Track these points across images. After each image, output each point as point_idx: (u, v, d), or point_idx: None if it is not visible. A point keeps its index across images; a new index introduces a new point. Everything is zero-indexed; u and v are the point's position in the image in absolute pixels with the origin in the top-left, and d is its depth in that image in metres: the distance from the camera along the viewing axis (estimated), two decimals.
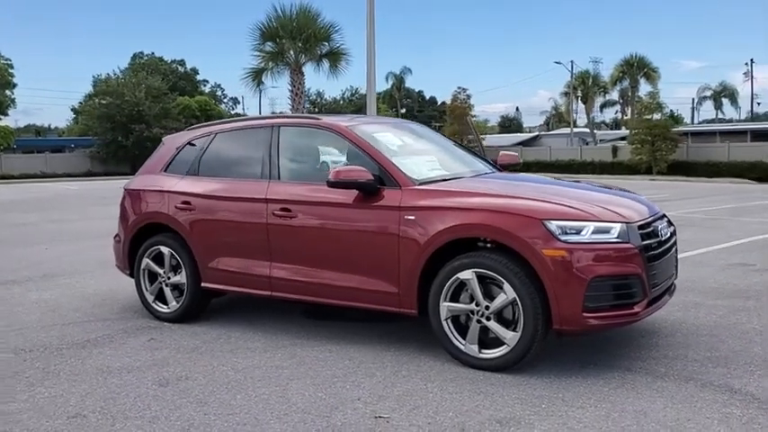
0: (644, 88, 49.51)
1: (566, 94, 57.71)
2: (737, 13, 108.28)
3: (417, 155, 5.19)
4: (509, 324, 4.15)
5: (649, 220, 4.38)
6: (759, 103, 69.28)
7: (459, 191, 4.54)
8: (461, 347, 4.27)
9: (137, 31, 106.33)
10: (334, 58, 19.73)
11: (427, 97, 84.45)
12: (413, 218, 4.39)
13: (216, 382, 4.15)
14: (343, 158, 5.04)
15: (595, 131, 53.96)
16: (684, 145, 34.47)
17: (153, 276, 5.71)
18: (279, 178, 5.09)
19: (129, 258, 5.83)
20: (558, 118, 68.84)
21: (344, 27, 20.16)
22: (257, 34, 19.08)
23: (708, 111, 67.57)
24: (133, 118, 34.24)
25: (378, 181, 4.56)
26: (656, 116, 35.41)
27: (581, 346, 4.55)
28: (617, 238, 4.03)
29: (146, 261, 5.69)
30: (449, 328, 4.32)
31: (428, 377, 4.13)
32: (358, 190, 4.59)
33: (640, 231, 4.17)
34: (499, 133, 64.08)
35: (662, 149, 33.56)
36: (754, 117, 64.18)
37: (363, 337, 4.98)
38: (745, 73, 66.56)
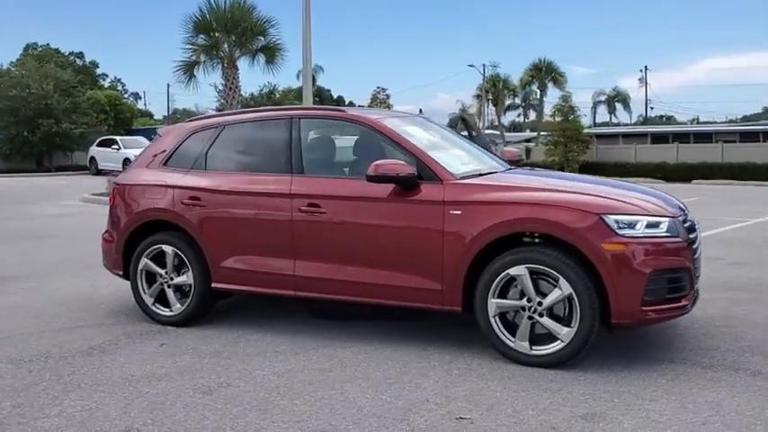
0: (551, 93, 51.44)
1: (478, 96, 59.06)
2: (626, 22, 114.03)
3: (445, 149, 5.09)
4: (560, 320, 4.13)
5: (686, 215, 4.48)
6: (653, 108, 73.55)
7: (505, 185, 4.49)
8: (511, 344, 4.21)
9: (29, 22, 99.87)
10: (270, 52, 19.27)
11: (335, 96, 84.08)
12: (459, 213, 4.29)
13: (263, 387, 3.91)
14: (373, 152, 4.86)
15: (505, 133, 55.52)
16: (594, 146, 36.09)
17: (150, 277, 5.34)
18: (303, 172, 4.86)
19: (124, 259, 5.43)
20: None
21: (279, 22, 19.61)
22: (190, 26, 18.36)
23: (602, 114, 71.31)
24: (41, 112, 32.17)
25: (416, 175, 4.44)
26: (569, 118, 36.91)
27: (610, 343, 4.55)
28: (666, 232, 4.09)
29: (144, 261, 5.30)
30: (497, 325, 4.25)
31: (483, 376, 4.04)
32: (397, 184, 4.44)
33: (684, 226, 4.25)
34: None
35: (574, 150, 35.02)
36: (647, 120, 68.10)
37: (390, 336, 4.84)
38: (639, 79, 70.33)
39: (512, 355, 4.22)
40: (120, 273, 5.50)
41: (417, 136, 4.91)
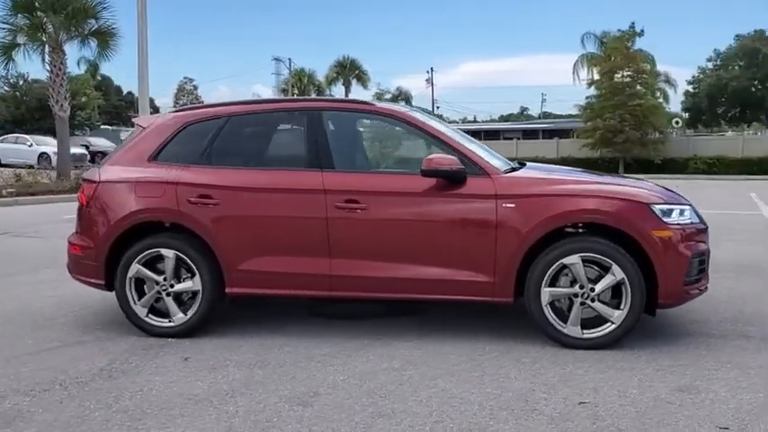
0: (356, 90, 52.98)
1: (284, 90, 59.04)
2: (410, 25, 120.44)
3: (471, 143, 5.13)
4: (606, 304, 4.41)
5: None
6: (438, 107, 78.20)
7: (553, 179, 4.68)
8: (563, 330, 4.41)
9: None
10: (103, 37, 17.46)
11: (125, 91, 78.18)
12: (512, 206, 4.39)
13: (359, 392, 3.71)
14: (405, 146, 4.79)
15: None
16: None
17: (140, 286, 4.77)
18: (333, 167, 4.63)
19: (107, 266, 4.77)
20: None
21: (112, 5, 17.80)
22: (8, 4, 16.07)
23: None
24: None
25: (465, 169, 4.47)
26: None
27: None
28: (691, 218, 4.54)
29: (136, 268, 4.71)
30: (549, 313, 4.43)
31: (557, 362, 4.16)
32: (448, 179, 4.43)
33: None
34: None
35: None
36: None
37: (417, 331, 4.81)
38: (427, 80, 74.51)
39: (564, 340, 4.42)
40: (101, 282, 4.83)
41: (447, 131, 4.92)
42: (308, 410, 3.48)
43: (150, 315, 4.76)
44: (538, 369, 4.06)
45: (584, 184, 4.63)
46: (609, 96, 31.56)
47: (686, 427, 3.26)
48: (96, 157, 30.51)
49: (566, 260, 4.36)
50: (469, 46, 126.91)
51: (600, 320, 4.42)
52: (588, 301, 4.38)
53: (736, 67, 53.54)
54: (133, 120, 5.45)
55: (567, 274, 4.42)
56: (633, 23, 33.36)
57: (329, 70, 56.03)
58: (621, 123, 30.57)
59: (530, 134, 46.96)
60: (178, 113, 5.13)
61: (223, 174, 4.71)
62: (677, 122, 35.26)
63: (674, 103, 49.59)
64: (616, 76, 32.65)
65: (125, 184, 4.80)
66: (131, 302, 4.75)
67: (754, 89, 52.42)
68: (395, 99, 72.47)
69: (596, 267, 4.41)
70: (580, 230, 4.51)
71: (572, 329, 4.41)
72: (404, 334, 4.75)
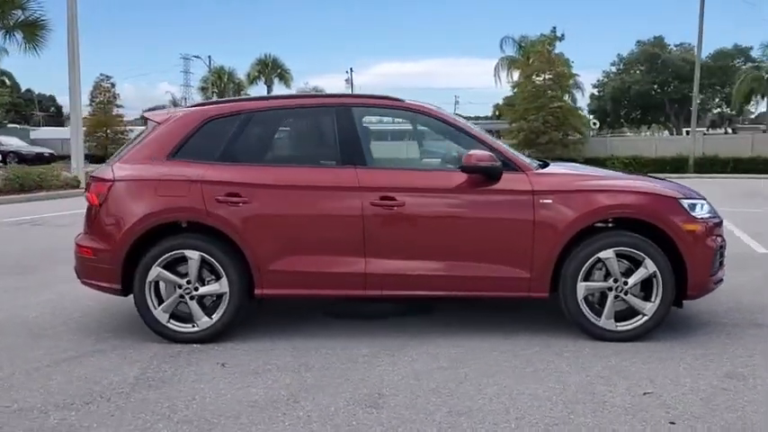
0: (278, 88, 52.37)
1: (203, 89, 57.68)
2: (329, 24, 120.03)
3: (498, 140, 5.12)
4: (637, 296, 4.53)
5: None
6: None
7: (585, 174, 4.77)
8: (598, 323, 4.49)
9: None
10: (31, 30, 16.34)
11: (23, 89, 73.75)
12: (550, 201, 4.44)
13: (425, 391, 3.66)
14: (434, 142, 4.76)
15: None
16: None
17: (157, 290, 4.53)
18: (365, 164, 4.54)
19: (124, 270, 4.50)
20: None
21: None
22: None
23: None
24: None
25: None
26: None
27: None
28: (711, 213, 4.73)
29: (156, 271, 4.46)
30: (584, 306, 4.50)
31: (598, 354, 4.22)
32: (486, 175, 4.44)
33: None
34: None
35: None
36: None
37: (449, 329, 4.79)
38: (346, 80, 74.52)
39: (598, 333, 4.50)
40: (117, 287, 4.55)
41: (476, 128, 4.92)
42: (384, 412, 3.40)
43: (171, 321, 4.52)
44: (584, 362, 4.12)
45: (615, 180, 4.75)
46: (531, 99, 32.51)
47: (753, 412, 3.39)
48: (8, 157, 28.76)
49: (601, 254, 4.45)
50: (385, 47, 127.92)
51: (631, 313, 4.53)
52: (622, 295, 4.49)
53: (638, 72, 56.59)
54: (144, 115, 5.13)
55: (600, 269, 4.51)
56: (554, 28, 34.51)
57: (251, 68, 55.02)
58: (544, 125, 31.56)
59: None
60: (198, 108, 4.89)
61: (252, 171, 4.54)
62: (595, 124, 36.79)
63: (582, 106, 51.63)
64: (537, 79, 33.66)
65: (144, 183, 4.54)
66: (151, 308, 4.50)
67: (653, 93, 55.52)
68: None
69: (626, 261, 4.52)
70: (609, 225, 4.61)
71: (606, 322, 4.50)
72: (433, 332, 4.71)
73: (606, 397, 3.59)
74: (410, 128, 4.96)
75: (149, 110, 5.48)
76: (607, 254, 4.45)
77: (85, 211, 4.74)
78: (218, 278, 4.50)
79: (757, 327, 4.87)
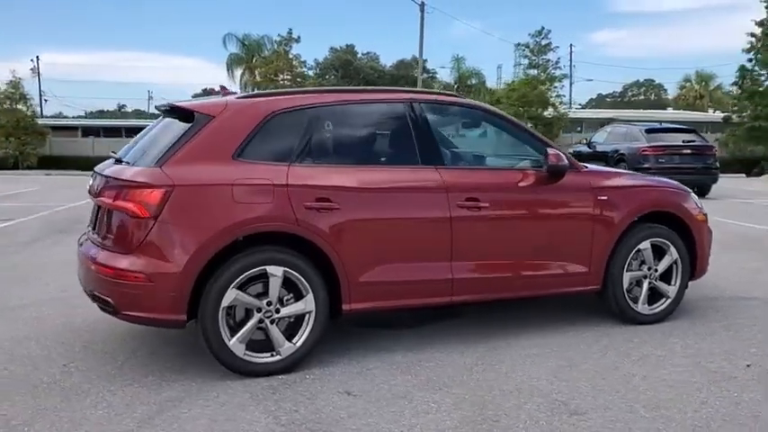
0: None
1: None
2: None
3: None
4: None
5: None
6: (47, 100, 69.86)
7: (621, 173, 5.11)
8: (636, 309, 4.89)
9: None
10: None
11: None
12: (606, 198, 4.71)
13: (592, 390, 3.67)
14: (493, 141, 4.71)
15: None
16: (49, 139, 33.91)
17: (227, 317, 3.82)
18: (443, 163, 4.33)
19: (193, 296, 3.69)
20: None
21: None
22: None
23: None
24: None
25: None
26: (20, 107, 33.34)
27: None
28: (700, 203, 5.40)
29: (233, 294, 3.75)
30: (627, 294, 4.87)
31: (655, 338, 4.57)
32: (557, 174, 4.55)
33: None
34: None
35: (31, 143, 32.31)
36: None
37: (503, 330, 4.79)
38: (32, 69, 66.38)
39: (636, 317, 4.88)
40: (181, 319, 3.70)
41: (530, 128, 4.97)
42: (575, 417, 3.35)
43: (248, 352, 3.83)
44: (657, 346, 4.44)
45: (644, 178, 5.20)
46: None
47: None
48: None
49: (641, 245, 4.86)
50: (58, 38, 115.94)
51: (656, 297, 5.02)
52: (653, 281, 4.96)
53: (333, 76, 60.32)
54: (181, 105, 4.13)
55: (636, 258, 4.92)
56: (291, 30, 34.99)
57: None
58: None
59: None
60: (258, 100, 4.17)
61: (339, 173, 4.04)
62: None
63: None
64: (276, 79, 33.95)
65: (216, 188, 3.76)
66: (225, 339, 3.76)
67: None
68: None
69: (663, 250, 4.97)
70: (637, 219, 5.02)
71: (642, 307, 4.92)
72: (498, 334, 4.67)
73: (720, 372, 3.96)
74: (474, 126, 4.84)
75: (187, 100, 4.52)
76: (645, 245, 4.87)
77: (110, 224, 3.79)
78: (297, 296, 3.93)
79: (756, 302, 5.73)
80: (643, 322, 4.90)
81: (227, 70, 41.38)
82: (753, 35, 31.43)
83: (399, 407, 3.46)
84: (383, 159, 4.32)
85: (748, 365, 4.10)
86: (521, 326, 4.84)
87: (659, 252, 4.96)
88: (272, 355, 3.88)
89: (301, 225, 3.86)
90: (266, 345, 3.89)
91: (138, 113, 76.79)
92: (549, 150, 4.48)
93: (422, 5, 33.04)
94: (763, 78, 31.56)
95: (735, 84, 33.04)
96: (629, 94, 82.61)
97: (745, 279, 6.43)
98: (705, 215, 5.20)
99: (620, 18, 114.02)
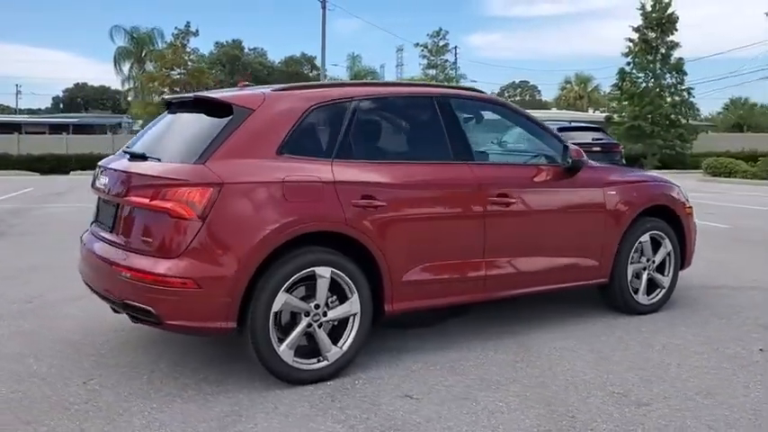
0: None
1: None
2: None
3: None
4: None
5: None
6: None
7: (623, 169, 5.24)
8: (637, 299, 5.07)
9: None
10: None
11: None
12: (614, 192, 4.84)
13: (614, 388, 3.75)
14: (514, 136, 4.71)
15: None
16: None
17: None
18: (473, 159, 4.28)
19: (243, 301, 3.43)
20: None
21: None
22: None
23: None
24: None
25: None
26: None
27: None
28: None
29: (284, 298, 3.53)
30: (630, 286, 5.04)
31: (667, 327, 4.75)
32: (575, 169, 4.63)
33: None
34: None
35: None
36: None
37: (524, 326, 4.83)
38: None
39: (636, 308, 5.05)
40: (232, 326, 3.43)
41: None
42: (642, 408, 3.42)
43: (296, 358, 3.62)
44: (670, 335, 4.60)
45: (641, 174, 5.38)
46: (172, 93, 31.34)
47: None
48: None
49: (642, 239, 5.04)
50: None
51: (652, 287, 5.22)
52: (651, 272, 5.16)
53: (220, 71, 59.04)
54: (213, 97, 3.76)
55: (636, 251, 5.09)
56: (189, 23, 33.61)
57: None
58: None
59: (57, 129, 42.68)
60: (296, 92, 3.90)
61: (382, 169, 3.89)
62: None
63: None
64: (172, 72, 32.61)
65: (265, 186, 3.50)
66: (273, 345, 3.53)
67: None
68: None
69: (658, 243, 5.17)
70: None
71: (642, 297, 5.11)
72: (515, 329, 4.68)
73: (743, 356, 4.20)
74: (485, 121, 4.79)
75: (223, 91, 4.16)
76: (645, 238, 5.06)
77: (143, 225, 3.49)
78: (341, 298, 3.76)
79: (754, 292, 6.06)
80: (642, 312, 5.09)
81: (114, 64, 39.40)
82: (631, 40, 33.70)
83: (469, 408, 3.38)
84: (419, 155, 4.20)
85: (761, 350, 4.34)
86: (532, 319, 4.89)
87: (656, 244, 5.17)
88: (319, 361, 3.68)
89: (349, 224, 3.69)
90: (310, 350, 3.69)
91: (2, 109, 71.31)
92: (571, 146, 4.55)
93: (323, 1, 32.80)
94: (640, 81, 33.95)
95: (615, 86, 35.32)
96: (507, 94, 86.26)
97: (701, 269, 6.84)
98: (691, 208, 5.47)
99: (494, 22, 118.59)
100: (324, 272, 3.63)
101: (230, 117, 3.64)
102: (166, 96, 4.34)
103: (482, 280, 4.26)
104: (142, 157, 3.73)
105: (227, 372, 3.80)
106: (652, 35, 32.99)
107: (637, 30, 33.38)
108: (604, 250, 4.83)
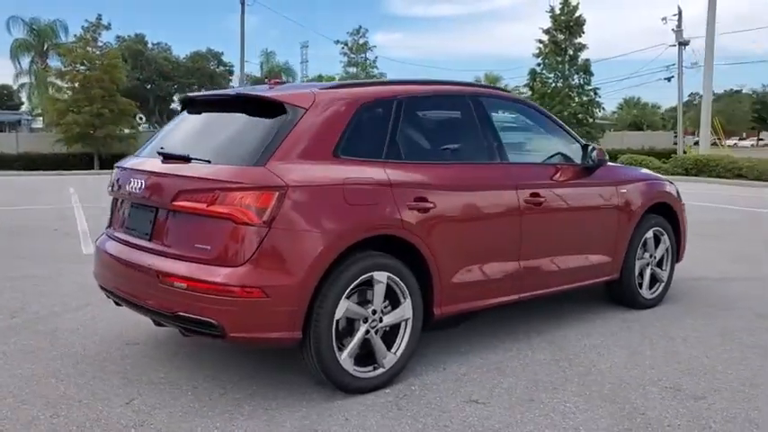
0: None
1: None
2: None
3: None
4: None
5: None
6: None
7: (629, 167, 5.34)
8: (642, 293, 5.20)
9: None
10: None
11: None
12: (625, 191, 4.94)
13: (666, 383, 3.84)
14: (535, 136, 4.72)
15: None
16: None
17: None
18: (507, 159, 4.26)
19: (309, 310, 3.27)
20: None
21: None
22: None
23: None
24: None
25: None
26: None
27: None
28: None
29: (345, 305, 3.38)
30: (636, 282, 5.17)
31: (683, 326, 4.83)
32: (594, 168, 4.70)
33: None
34: None
35: None
36: None
37: (534, 328, 4.86)
38: None
39: (641, 303, 5.19)
40: (297, 336, 3.25)
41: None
42: (701, 402, 3.51)
43: (357, 367, 3.48)
44: (683, 328, 4.73)
45: (645, 172, 5.50)
46: (81, 89, 29.73)
47: None
48: None
49: (647, 235, 5.18)
50: None
51: (652, 282, 5.37)
52: (653, 267, 5.31)
53: (129, 68, 56.65)
54: (261, 95, 3.49)
55: (641, 247, 5.23)
56: (100, 15, 31.75)
57: None
58: (99, 119, 29.26)
59: None
60: (344, 90, 3.72)
61: (428, 170, 3.80)
62: (141, 118, 35.54)
63: None
64: (81, 68, 30.89)
65: (328, 189, 3.33)
66: (335, 352, 3.38)
67: (144, 88, 56.52)
68: None
69: (657, 238, 5.32)
70: None
71: (646, 292, 5.25)
72: (538, 326, 4.70)
73: (761, 345, 4.38)
74: (521, 120, 4.77)
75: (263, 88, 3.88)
76: (649, 234, 5.21)
77: (196, 231, 3.28)
78: (393, 303, 3.64)
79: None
80: (645, 306, 5.23)
81: (12, 57, 37.03)
82: (541, 42, 34.81)
83: (540, 411, 3.34)
84: (462, 155, 4.12)
85: None
86: (550, 318, 4.92)
87: (657, 240, 5.33)
88: (375, 368, 3.55)
89: (405, 227, 3.58)
90: (365, 358, 3.55)
91: None
92: (594, 146, 4.62)
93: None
94: (550, 81, 35.15)
95: (526, 85, 36.33)
96: None
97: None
98: (684, 204, 5.68)
99: (396, 21, 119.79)
100: (381, 276, 3.50)
101: (283, 117, 3.44)
102: (190, 94, 4.05)
103: (519, 281, 4.24)
104: (185, 159, 3.47)
105: (275, 384, 3.60)
106: (561, 37, 34.16)
107: (546, 32, 34.47)
108: (617, 246, 4.93)
